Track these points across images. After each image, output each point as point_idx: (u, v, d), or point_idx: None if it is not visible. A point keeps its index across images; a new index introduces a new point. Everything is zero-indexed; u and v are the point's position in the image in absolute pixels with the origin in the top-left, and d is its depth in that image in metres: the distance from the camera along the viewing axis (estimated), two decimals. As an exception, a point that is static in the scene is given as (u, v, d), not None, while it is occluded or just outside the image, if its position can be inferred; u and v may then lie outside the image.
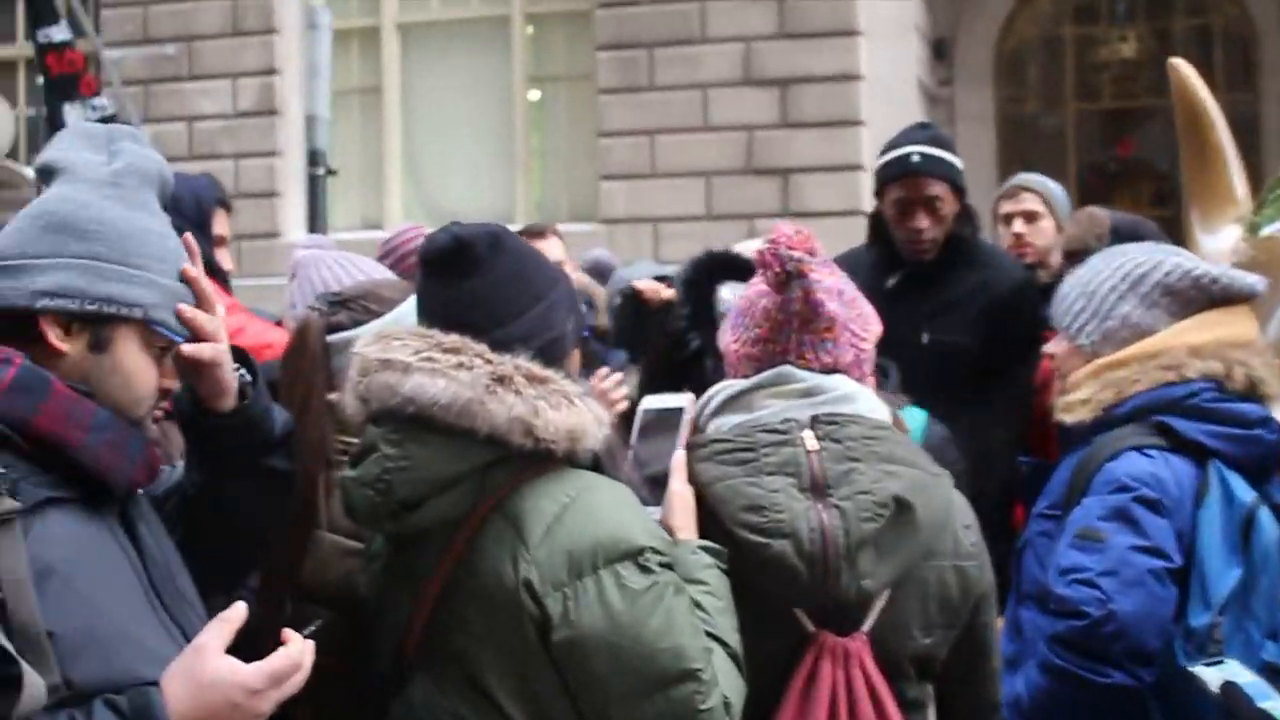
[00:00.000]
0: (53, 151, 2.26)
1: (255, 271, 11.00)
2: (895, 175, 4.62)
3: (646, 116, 12.55)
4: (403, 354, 2.39)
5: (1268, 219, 4.25)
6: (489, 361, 2.38)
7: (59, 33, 11.80)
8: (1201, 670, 2.94)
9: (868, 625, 2.57)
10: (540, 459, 2.40)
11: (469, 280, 2.47)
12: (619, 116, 12.68)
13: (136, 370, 2.20)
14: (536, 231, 6.80)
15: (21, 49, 15.16)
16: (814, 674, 2.53)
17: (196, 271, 2.31)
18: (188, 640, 2.14)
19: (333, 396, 2.83)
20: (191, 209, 4.18)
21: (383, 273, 3.51)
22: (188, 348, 2.30)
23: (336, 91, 11.52)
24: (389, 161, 13.78)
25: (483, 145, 13.65)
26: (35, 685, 1.87)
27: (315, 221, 10.43)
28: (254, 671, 1.99)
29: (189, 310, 2.29)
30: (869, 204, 5.31)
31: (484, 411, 2.34)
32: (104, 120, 11.43)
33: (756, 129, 12.25)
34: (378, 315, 2.99)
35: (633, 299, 4.46)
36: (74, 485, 2.08)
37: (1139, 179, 14.08)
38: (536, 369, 2.41)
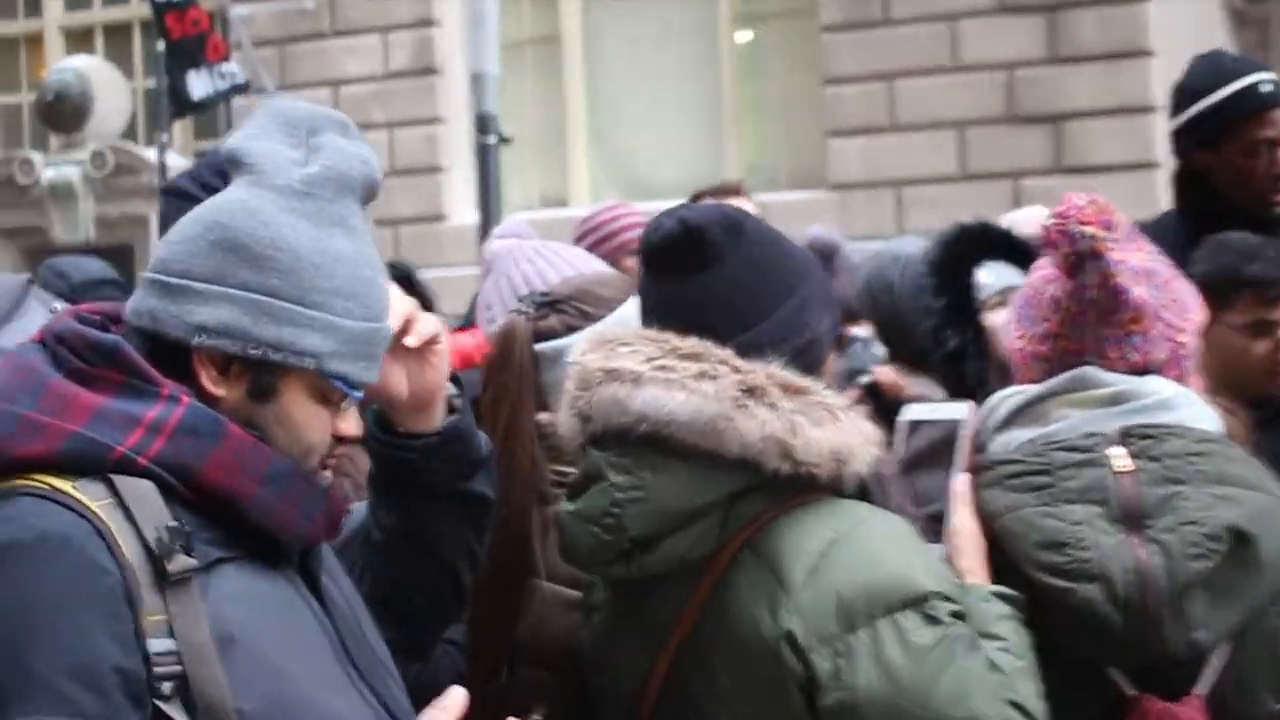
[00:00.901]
0: (243, 137, 2.30)
1: (417, 262, 11.30)
2: (1248, 111, 4.61)
3: (882, 57, 12.69)
4: (632, 362, 2.45)
5: None
6: (737, 370, 2.42)
7: (178, -13, 12.80)
8: None
9: (1203, 687, 2.54)
10: (799, 486, 2.43)
11: (704, 275, 2.54)
12: (848, 59, 12.83)
13: (306, 423, 2.26)
14: (728, 191, 6.65)
15: (136, 9, 16.05)
16: None
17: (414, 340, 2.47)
18: (386, 709, 2.24)
19: (543, 417, 2.91)
20: None
21: (595, 265, 3.56)
22: (410, 338, 2.43)
23: (506, 44, 11.80)
24: (571, 125, 14.12)
25: (683, 101, 13.86)
26: None
27: (487, 199, 10.73)
28: None
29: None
30: (1162, 153, 5.24)
31: (732, 429, 2.37)
32: (235, 90, 13.57)
33: (1019, 67, 12.33)
34: (595, 319, 3.02)
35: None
36: (245, 540, 2.16)
37: None
38: (793, 378, 2.44)
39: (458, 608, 2.82)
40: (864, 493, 2.55)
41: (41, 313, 3.13)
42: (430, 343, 2.50)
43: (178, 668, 1.98)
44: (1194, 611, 2.49)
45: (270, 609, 2.15)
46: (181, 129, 15.51)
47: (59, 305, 3.28)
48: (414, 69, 14.41)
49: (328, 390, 2.25)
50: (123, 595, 1.98)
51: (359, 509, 2.70)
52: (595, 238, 5.66)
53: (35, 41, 17.63)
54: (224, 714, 2.00)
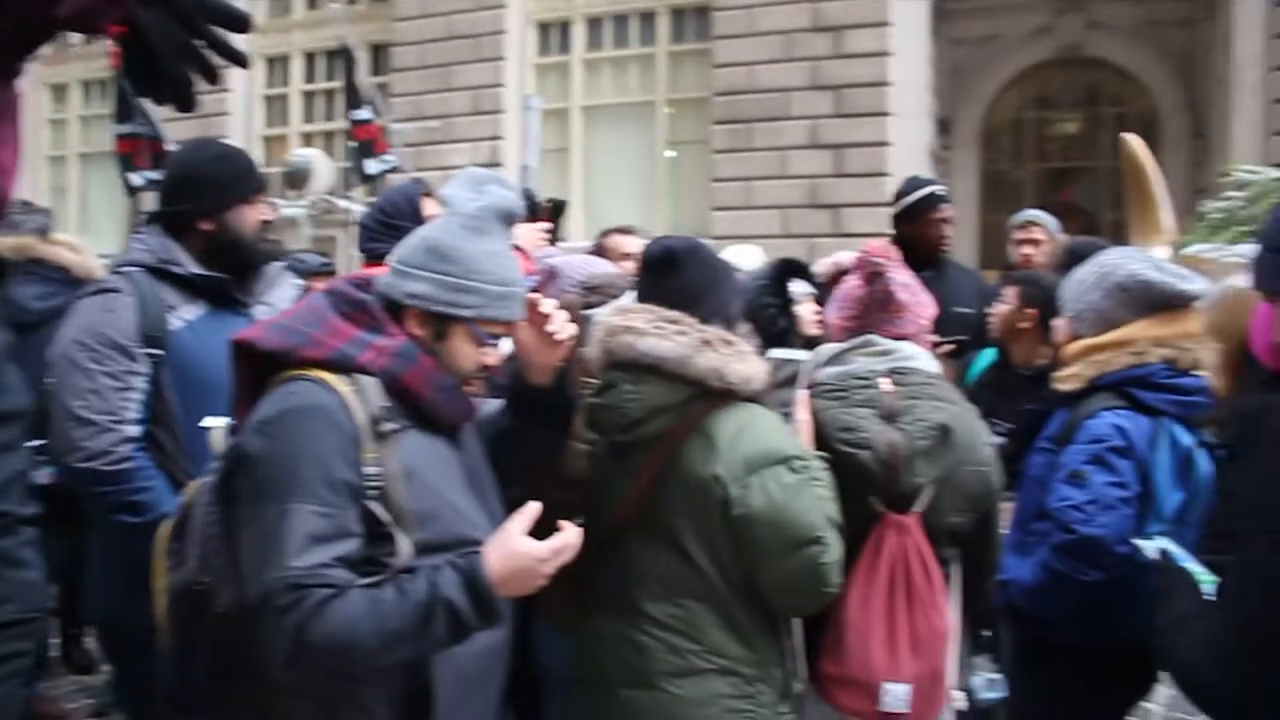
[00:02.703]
0: (447, 188, 2.80)
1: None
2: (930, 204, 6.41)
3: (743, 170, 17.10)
4: (638, 322, 3.03)
5: (1188, 243, 6.36)
6: (699, 330, 2.98)
7: (363, 113, 17.00)
8: (1142, 543, 3.48)
9: (918, 508, 3.22)
10: (725, 395, 2.98)
11: (677, 276, 3.14)
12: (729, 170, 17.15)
13: (463, 354, 2.76)
14: (627, 230, 7.22)
15: (339, 124, 20.73)
16: (881, 541, 3.24)
17: (538, 301, 2.98)
18: (490, 516, 2.81)
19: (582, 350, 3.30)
20: (408, 209, 4.90)
21: (608, 269, 4.16)
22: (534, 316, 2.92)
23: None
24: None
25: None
26: (405, 543, 2.57)
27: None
28: (542, 547, 2.60)
29: (533, 298, 2.93)
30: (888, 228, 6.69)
31: (692, 363, 2.94)
32: (391, 171, 16.60)
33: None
34: (614, 299, 3.63)
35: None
36: (422, 420, 2.71)
37: (1075, 217, 17.02)
38: (728, 334, 3.02)
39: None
40: (756, 399, 3.09)
41: (289, 286, 4.05)
42: (546, 324, 2.99)
43: (381, 484, 2.55)
44: (918, 468, 3.23)
45: (432, 456, 2.71)
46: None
47: (299, 282, 4.12)
48: (489, 163, 17.60)
49: (478, 337, 2.76)
50: (353, 441, 2.54)
51: (491, 404, 3.12)
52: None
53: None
54: (404, 511, 2.57)
